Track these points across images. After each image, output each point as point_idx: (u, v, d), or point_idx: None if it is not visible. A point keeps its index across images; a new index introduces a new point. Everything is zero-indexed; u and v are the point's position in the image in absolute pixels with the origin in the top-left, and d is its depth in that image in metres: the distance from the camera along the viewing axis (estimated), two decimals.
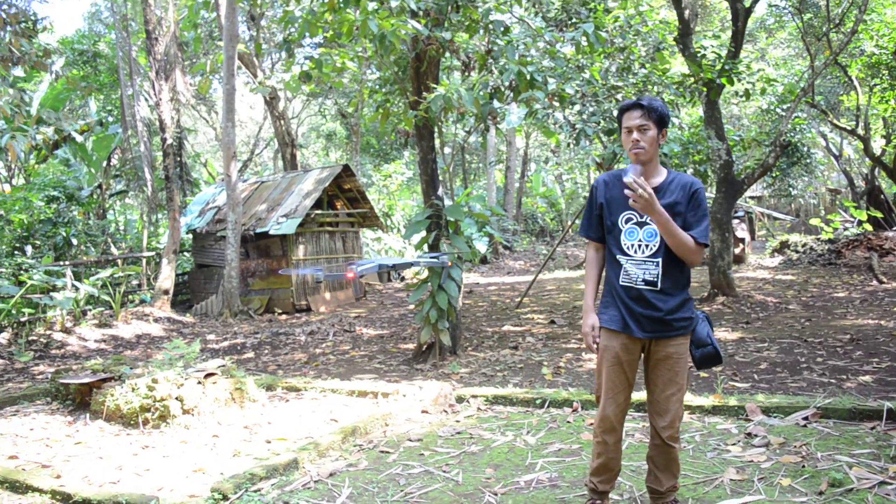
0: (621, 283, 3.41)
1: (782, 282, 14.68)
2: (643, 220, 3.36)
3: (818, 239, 19.35)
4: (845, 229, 20.89)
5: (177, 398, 5.69)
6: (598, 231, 3.58)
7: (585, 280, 3.64)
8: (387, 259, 5.20)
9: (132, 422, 5.74)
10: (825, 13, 14.32)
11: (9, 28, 8.41)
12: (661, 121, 3.33)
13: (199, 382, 5.88)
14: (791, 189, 25.09)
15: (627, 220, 3.41)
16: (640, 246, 3.37)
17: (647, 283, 3.34)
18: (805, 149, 19.62)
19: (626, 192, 3.19)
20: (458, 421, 5.59)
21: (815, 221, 22.09)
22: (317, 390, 6.66)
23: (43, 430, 6.00)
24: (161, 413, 5.64)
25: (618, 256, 3.42)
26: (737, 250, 18.26)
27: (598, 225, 3.57)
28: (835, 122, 19.21)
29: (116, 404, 5.87)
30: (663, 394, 3.44)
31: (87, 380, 6.38)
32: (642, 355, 3.51)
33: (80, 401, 6.54)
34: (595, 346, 3.54)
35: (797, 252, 18.93)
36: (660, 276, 3.34)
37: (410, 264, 5.19)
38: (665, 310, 3.34)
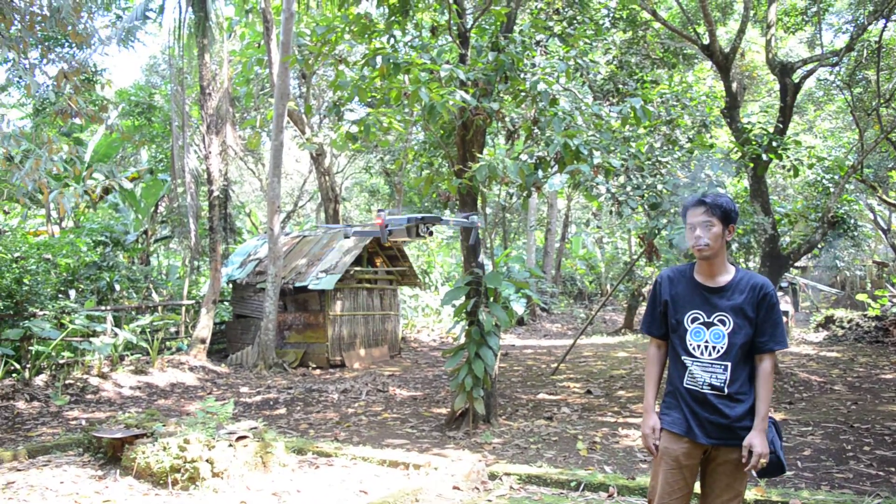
0: (686, 385, 3.32)
1: (827, 359, 14.29)
2: (710, 320, 3.29)
3: (865, 315, 18.88)
4: (893, 305, 20.34)
5: (207, 460, 5.65)
6: (661, 328, 3.50)
7: (646, 377, 3.57)
8: (414, 217, 5.14)
9: (162, 481, 5.70)
10: (875, 88, 14.20)
11: (68, 84, 8.68)
12: (727, 217, 3.28)
13: (231, 445, 5.84)
14: (837, 261, 24.62)
15: (694, 320, 3.32)
16: (706, 347, 3.28)
17: (713, 387, 3.25)
18: (852, 221, 19.29)
19: (748, 469, 3.17)
20: (489, 500, 5.45)
21: (861, 297, 21.57)
22: (347, 457, 6.57)
23: (73, 483, 5.99)
24: (191, 475, 5.60)
25: (683, 357, 3.33)
26: None
27: (661, 321, 3.49)
28: (884, 197, 18.89)
29: (147, 462, 5.84)
30: (719, 499, 3.32)
31: (119, 435, 6.38)
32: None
33: (111, 455, 6.54)
34: (655, 448, 3.40)
35: (843, 328, 18.48)
36: (727, 381, 3.23)
37: (439, 219, 5.12)
38: (732, 417, 3.23)
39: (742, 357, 3.25)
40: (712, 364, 3.25)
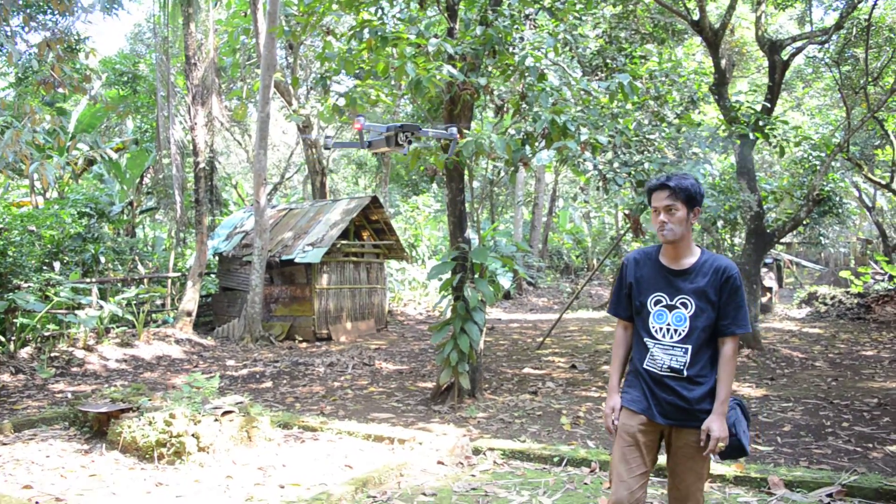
0: (646, 366, 3.31)
1: (809, 335, 14.45)
2: (673, 303, 3.27)
3: (847, 292, 19.08)
4: (876, 283, 20.55)
5: (193, 435, 5.67)
6: (627, 310, 3.48)
7: (612, 358, 3.57)
8: (394, 125, 5.08)
9: (147, 456, 5.72)
10: (863, 66, 14.21)
11: (51, 53, 8.55)
12: (691, 200, 3.25)
13: (216, 420, 5.86)
14: (822, 238, 24.79)
15: (657, 302, 3.31)
16: (668, 330, 3.26)
17: (672, 370, 3.24)
18: (837, 198, 19.41)
19: (706, 453, 3.18)
20: (473, 476, 5.51)
21: (845, 274, 21.76)
22: (333, 431, 6.61)
23: (59, 458, 6.00)
24: (177, 449, 5.62)
25: (645, 339, 3.32)
26: (764, 299, 18.03)
27: (627, 303, 3.47)
28: (869, 175, 18.97)
29: (133, 437, 5.86)
30: (683, 482, 3.31)
31: (105, 409, 6.39)
32: (662, 443, 3.38)
33: (97, 429, 6.55)
34: (614, 427, 3.41)
35: (826, 304, 18.67)
36: (687, 364, 3.22)
37: (418, 128, 5.08)
38: (691, 399, 3.22)
39: (704, 340, 3.23)
40: (673, 346, 3.24)
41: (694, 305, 3.22)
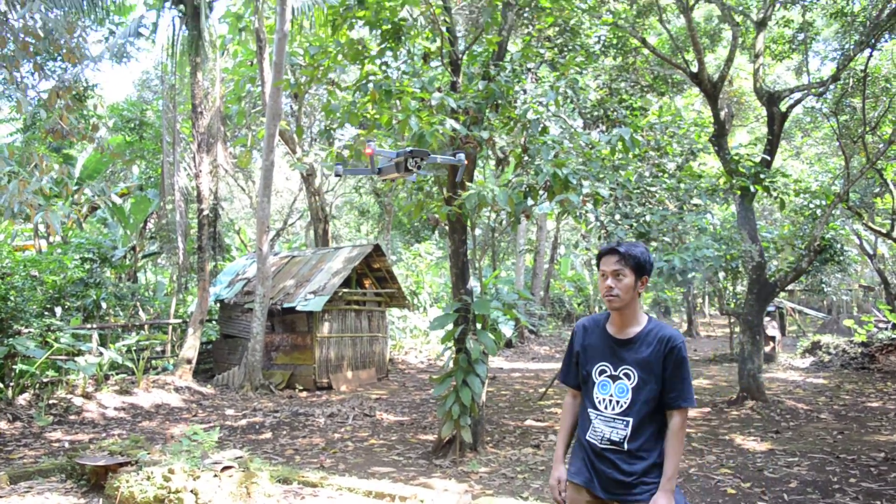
0: (588, 437, 3.24)
1: (814, 386, 14.34)
2: (616, 373, 3.19)
3: (851, 341, 18.95)
4: (879, 331, 20.44)
5: (192, 491, 5.60)
6: (575, 378, 3.41)
7: (559, 427, 3.48)
8: (403, 150, 4.99)
9: None
10: (861, 116, 14.36)
11: (60, 102, 8.66)
12: (640, 268, 3.18)
13: (216, 475, 5.79)
14: (824, 286, 24.75)
15: (601, 372, 3.24)
16: (610, 401, 3.19)
17: (612, 442, 3.15)
18: (839, 246, 19.45)
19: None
20: None
21: (848, 322, 21.67)
22: (333, 487, 6.52)
23: None
24: None
25: (589, 410, 3.26)
26: (767, 348, 17.93)
27: (575, 371, 3.41)
28: (869, 224, 19.04)
29: (131, 492, 5.78)
30: None
31: (103, 462, 6.32)
32: None
33: (94, 482, 6.47)
34: (562, 500, 3.35)
35: (829, 354, 18.54)
36: (627, 438, 3.13)
37: (427, 153, 5.02)
38: (630, 473, 3.13)
39: (647, 413, 3.14)
40: (614, 419, 3.16)
41: (636, 377, 3.14)
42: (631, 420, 3.11)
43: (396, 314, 22.49)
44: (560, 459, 3.40)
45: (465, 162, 5.99)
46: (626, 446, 3.12)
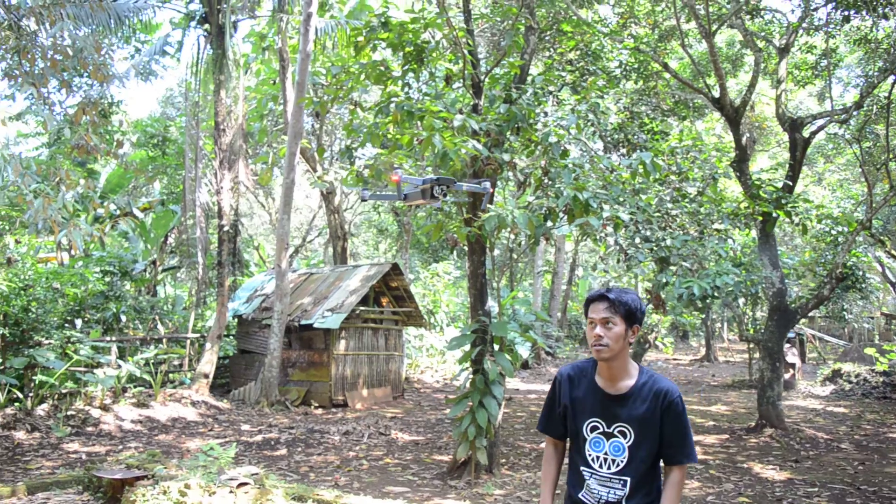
0: (582, 497, 3.02)
1: (834, 415, 14.15)
2: (610, 430, 2.98)
3: (872, 370, 18.70)
4: None
5: None
6: (559, 428, 3.19)
7: (542, 478, 3.25)
8: (430, 178, 4.95)
9: None
10: (884, 143, 14.27)
11: (86, 118, 8.81)
12: (631, 316, 2.97)
13: (231, 491, 5.80)
14: (845, 313, 24.49)
15: (593, 429, 3.01)
16: (605, 460, 2.97)
17: (609, 503, 2.96)
18: (860, 273, 19.25)
19: None
20: None
21: (870, 351, 21.40)
22: None
23: None
24: None
25: (581, 468, 3.02)
26: (787, 376, 17.73)
27: (560, 422, 3.17)
28: (892, 251, 18.85)
29: None
30: None
31: (120, 475, 6.35)
32: None
33: (111, 495, 6.50)
34: None
35: (850, 382, 18.30)
36: (625, 497, 2.93)
37: (453, 181, 4.99)
38: None
39: (645, 471, 2.95)
40: (611, 479, 2.94)
41: (633, 434, 2.95)
42: (629, 479, 2.93)
43: (413, 333, 22.49)
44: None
45: (491, 190, 6.01)
46: None
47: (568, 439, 3.19)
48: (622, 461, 2.94)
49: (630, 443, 2.94)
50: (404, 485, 8.37)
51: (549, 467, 3.24)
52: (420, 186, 4.86)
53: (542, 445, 10.85)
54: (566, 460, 3.22)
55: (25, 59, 8.01)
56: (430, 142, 7.21)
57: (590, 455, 3.00)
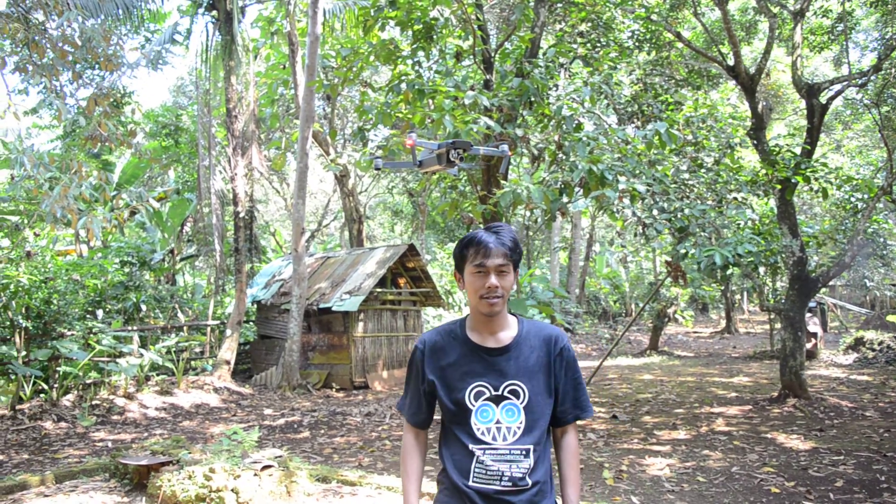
0: (474, 484, 2.46)
1: (857, 383, 14.02)
2: (500, 392, 2.49)
3: (895, 337, 18.52)
4: None
5: (232, 490, 5.65)
6: (425, 412, 2.66)
7: (403, 472, 2.66)
8: (445, 142, 4.80)
9: None
10: None
11: (98, 109, 8.80)
12: (519, 258, 2.57)
13: (256, 474, 5.84)
14: (866, 281, 24.25)
15: (478, 395, 2.49)
16: (499, 429, 2.46)
17: (514, 481, 2.44)
18: (881, 240, 19.02)
19: None
20: None
21: (892, 318, 21.20)
22: (372, 486, 6.53)
23: None
24: None
25: (470, 446, 2.47)
26: (809, 345, 17.60)
27: (426, 404, 2.65)
28: None
29: (173, 490, 5.84)
30: None
31: (145, 461, 6.40)
32: None
33: (137, 482, 6.56)
34: None
35: (873, 350, 18.14)
36: (530, 469, 2.45)
37: (470, 145, 4.86)
38: None
39: (543, 435, 2.52)
40: (510, 450, 2.44)
41: (527, 391, 2.49)
42: (531, 447, 2.45)
43: (432, 313, 22.53)
44: (413, 499, 2.60)
45: (509, 152, 5.84)
46: (529, 481, 2.45)
47: (442, 421, 2.63)
48: (519, 427, 2.46)
49: (525, 403, 2.48)
50: (427, 464, 8.39)
51: (411, 460, 2.67)
52: (435, 151, 4.67)
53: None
54: (436, 446, 2.69)
55: (35, 52, 8.00)
56: (441, 122, 7.17)
57: (478, 428, 2.47)
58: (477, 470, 2.45)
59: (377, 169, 4.95)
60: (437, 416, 2.67)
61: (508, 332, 2.57)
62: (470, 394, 2.49)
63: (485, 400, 2.48)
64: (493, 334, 2.55)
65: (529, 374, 2.51)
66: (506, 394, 2.48)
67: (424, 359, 2.60)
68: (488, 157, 8.40)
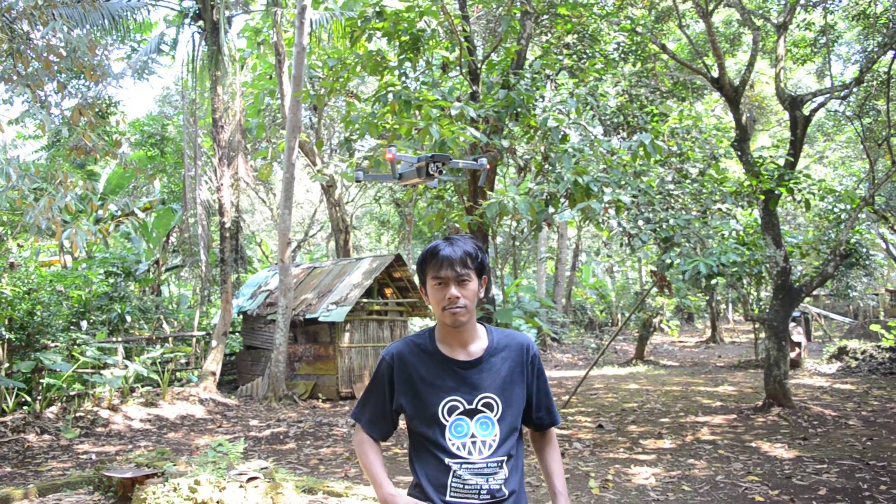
0: (451, 499, 2.42)
1: (841, 392, 14.13)
2: (473, 406, 2.46)
3: (879, 346, 18.68)
4: None
5: (218, 502, 5.61)
6: (387, 427, 2.61)
7: (368, 466, 2.56)
8: (425, 155, 4.76)
9: None
10: (885, 118, 14.21)
11: (83, 119, 8.78)
12: (482, 268, 2.50)
13: (241, 486, 5.81)
14: (850, 290, 24.46)
15: (451, 410, 2.46)
16: (474, 443, 2.43)
17: (492, 495, 2.42)
18: (864, 250, 19.22)
19: None
20: None
21: (875, 327, 21.39)
22: (358, 497, 6.52)
23: None
24: None
25: (446, 461, 2.42)
26: (793, 354, 17.71)
27: (389, 421, 2.60)
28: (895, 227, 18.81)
29: (158, 503, 5.81)
30: None
31: (129, 474, 6.36)
32: None
33: (121, 494, 6.51)
34: None
35: (856, 359, 18.29)
36: (505, 481, 2.44)
37: (449, 158, 4.83)
38: None
39: (517, 444, 2.52)
40: (487, 464, 2.42)
41: (501, 404, 2.48)
42: (505, 458, 2.45)
43: (419, 323, 22.50)
44: (389, 484, 2.49)
45: (488, 166, 5.88)
46: (506, 491, 2.44)
47: (411, 435, 2.57)
48: (494, 440, 2.44)
49: (499, 415, 2.47)
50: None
51: (371, 452, 2.58)
52: (415, 164, 4.68)
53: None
54: (405, 461, 2.55)
55: (20, 61, 7.98)
56: (429, 131, 7.20)
57: (453, 443, 2.43)
58: (454, 485, 2.42)
59: (357, 181, 4.94)
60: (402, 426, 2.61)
61: (479, 343, 2.53)
62: (443, 409, 2.45)
63: (458, 414, 2.45)
64: (463, 346, 2.51)
65: (502, 385, 2.49)
66: (479, 407, 2.45)
67: (393, 372, 2.54)
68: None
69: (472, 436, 2.43)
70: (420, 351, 2.53)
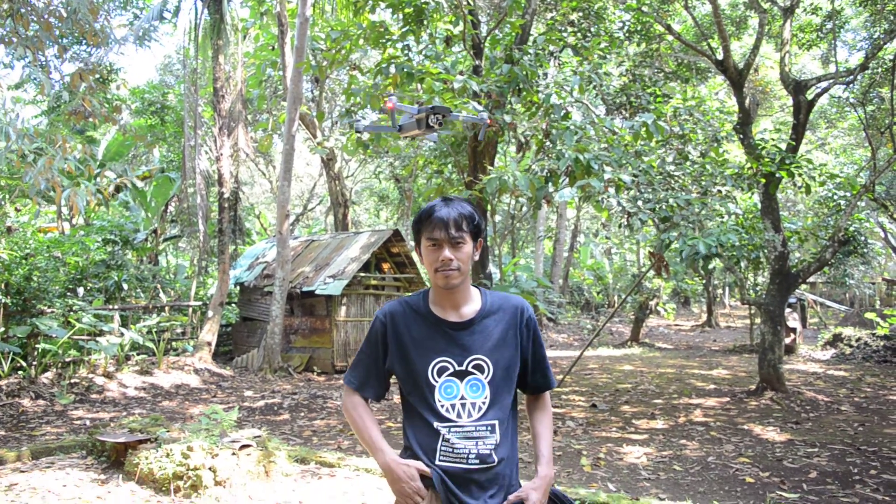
0: (441, 462, 2.40)
1: (834, 378, 14.18)
2: (464, 367, 2.42)
3: (873, 334, 18.73)
4: None
5: (210, 468, 5.64)
6: (379, 387, 2.58)
7: (361, 428, 2.54)
8: (425, 107, 4.67)
9: (164, 488, 5.69)
10: (889, 106, 14.12)
11: (83, 84, 8.71)
12: (477, 230, 2.47)
13: (234, 453, 5.83)
14: (847, 278, 24.48)
15: (441, 371, 2.43)
16: (463, 406, 2.40)
17: (482, 459, 2.39)
18: (862, 238, 19.18)
19: None
20: None
21: (870, 315, 21.43)
22: (350, 468, 6.55)
23: (76, 487, 5.98)
24: (193, 482, 5.59)
25: (435, 424, 2.40)
26: (787, 340, 17.77)
27: (382, 379, 2.57)
28: (895, 215, 18.77)
29: (150, 468, 5.83)
30: None
31: (123, 439, 6.38)
32: None
33: (114, 459, 6.53)
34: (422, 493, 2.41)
35: (851, 346, 18.34)
36: (496, 445, 2.40)
37: (449, 111, 4.77)
38: (507, 489, 2.46)
39: (510, 410, 2.49)
40: (476, 427, 2.39)
41: (492, 366, 2.44)
42: (497, 423, 2.41)
43: None
44: (385, 444, 2.48)
45: (489, 121, 5.74)
46: (496, 457, 2.40)
47: (404, 398, 2.56)
48: (484, 402, 2.41)
49: (489, 377, 2.43)
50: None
51: (366, 414, 2.55)
52: (415, 116, 4.60)
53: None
54: (391, 423, 2.50)
55: (20, 23, 7.89)
56: (431, 104, 7.14)
57: (442, 405, 2.40)
58: (443, 449, 2.40)
59: (358, 132, 4.84)
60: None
61: (472, 305, 2.50)
62: (433, 370, 2.43)
63: (448, 375, 2.42)
64: (455, 308, 2.48)
65: (494, 347, 2.45)
66: (470, 369, 2.42)
67: (386, 331, 2.52)
68: (474, 140, 8.40)
69: (462, 397, 2.41)
70: (413, 312, 2.51)
